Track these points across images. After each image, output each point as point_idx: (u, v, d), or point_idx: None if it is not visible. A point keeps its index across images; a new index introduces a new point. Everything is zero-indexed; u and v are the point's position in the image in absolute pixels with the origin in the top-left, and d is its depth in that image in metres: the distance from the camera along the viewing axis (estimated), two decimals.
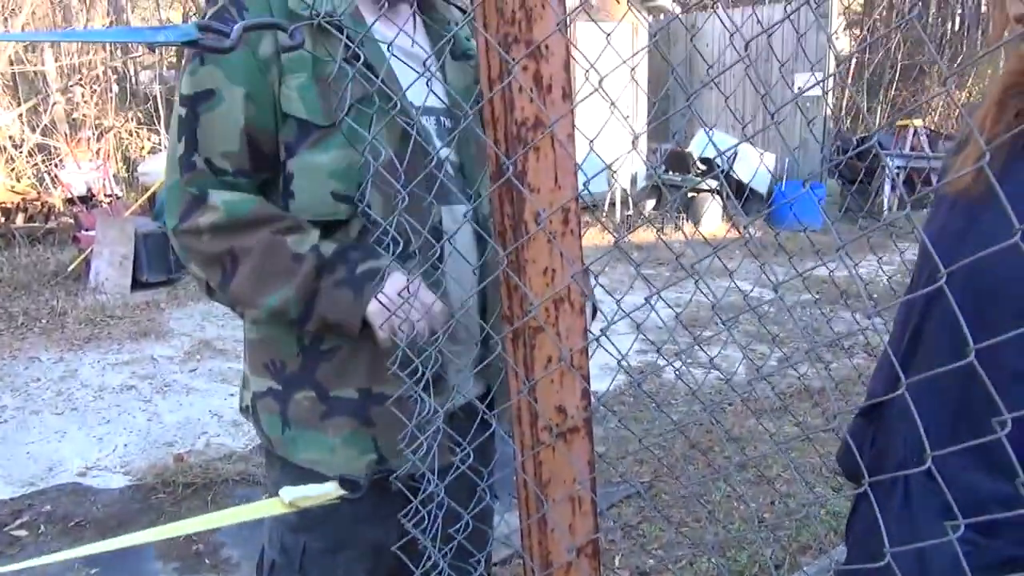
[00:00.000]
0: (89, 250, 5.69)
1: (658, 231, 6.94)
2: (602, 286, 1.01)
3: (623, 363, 1.16)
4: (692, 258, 1.10)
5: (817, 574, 2.14)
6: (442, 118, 1.26)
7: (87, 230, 5.96)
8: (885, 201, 8.77)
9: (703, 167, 8.18)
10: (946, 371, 0.93)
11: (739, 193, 8.18)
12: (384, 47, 1.11)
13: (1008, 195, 0.64)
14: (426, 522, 1.10)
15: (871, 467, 0.91)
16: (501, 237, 0.98)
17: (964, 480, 0.81)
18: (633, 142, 0.82)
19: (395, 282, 1.12)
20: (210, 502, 2.91)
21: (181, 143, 1.12)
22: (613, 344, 1.01)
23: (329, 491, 0.99)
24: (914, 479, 0.91)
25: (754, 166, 8.20)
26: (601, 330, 0.95)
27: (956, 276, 0.84)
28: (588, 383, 1.05)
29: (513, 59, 0.87)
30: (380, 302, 1.10)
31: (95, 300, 5.30)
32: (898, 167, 8.82)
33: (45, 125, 9.13)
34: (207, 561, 2.58)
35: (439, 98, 1.15)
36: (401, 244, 1.11)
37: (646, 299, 0.96)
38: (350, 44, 1.03)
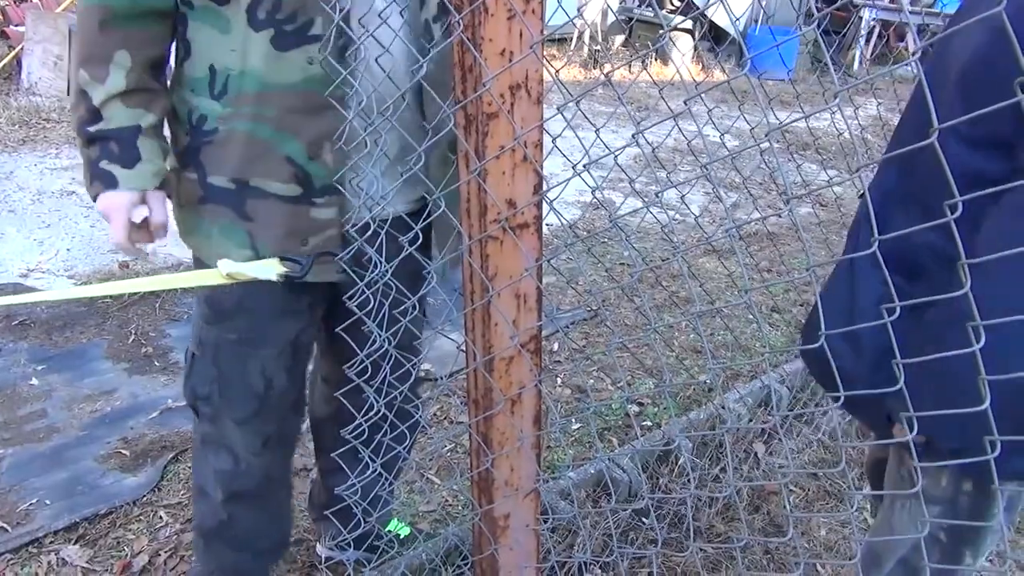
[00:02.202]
0: (19, 47, 5.29)
1: (608, 69, 6.73)
2: (565, 119, 0.96)
3: (597, 194, 1.13)
4: (658, 98, 1.05)
5: (747, 395, 2.26)
6: None
7: (16, 25, 5.51)
8: (857, 54, 8.60)
9: (678, 3, 7.83)
10: (916, 148, 1.00)
11: (714, 36, 7.91)
12: None
13: None
14: (370, 303, 1.10)
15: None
16: (457, 11, 0.91)
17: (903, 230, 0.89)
18: None
19: (117, 200, 1.12)
20: (158, 308, 2.90)
21: None
22: (585, 179, 0.98)
23: (270, 267, 0.97)
24: (863, 236, 1.05)
25: (731, 7, 7.88)
26: (575, 165, 0.92)
27: (950, 57, 0.89)
28: (541, 179, 1.02)
29: None
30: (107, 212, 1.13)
31: (29, 101, 4.99)
32: (874, 20, 8.59)
33: None
34: (156, 363, 2.60)
35: None
36: (296, 22, 1.04)
37: (633, 136, 0.91)
38: None
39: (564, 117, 0.88)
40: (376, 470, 1.58)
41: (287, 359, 1.35)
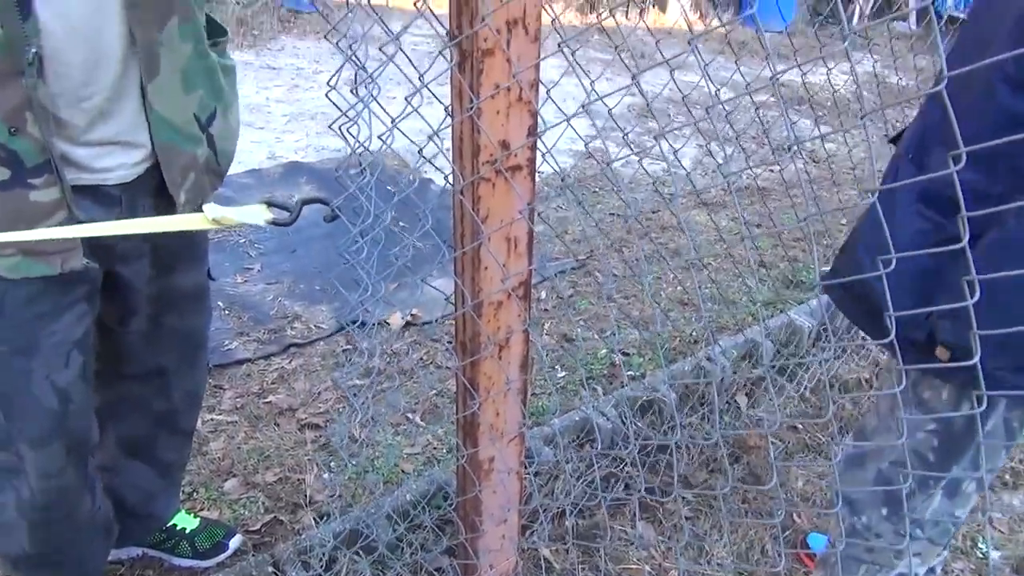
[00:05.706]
0: None
1: (608, 14, 6.59)
2: (567, 56, 0.93)
3: (590, 145, 1.11)
4: (657, 48, 1.02)
5: (731, 348, 2.27)
6: None
7: None
8: (857, 8, 8.47)
9: None
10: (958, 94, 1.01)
11: None
12: None
13: None
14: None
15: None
16: None
17: (943, 170, 0.90)
18: None
19: None
20: None
21: None
22: (576, 127, 0.95)
23: (258, 212, 0.94)
24: (903, 170, 1.07)
25: None
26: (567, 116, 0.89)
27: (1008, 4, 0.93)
28: (535, 121, 1.00)
29: None
30: None
31: None
32: None
33: None
34: None
35: None
36: None
37: (633, 77, 0.88)
38: None
39: (565, 54, 0.86)
40: (156, 470, 1.53)
41: (78, 365, 1.15)
